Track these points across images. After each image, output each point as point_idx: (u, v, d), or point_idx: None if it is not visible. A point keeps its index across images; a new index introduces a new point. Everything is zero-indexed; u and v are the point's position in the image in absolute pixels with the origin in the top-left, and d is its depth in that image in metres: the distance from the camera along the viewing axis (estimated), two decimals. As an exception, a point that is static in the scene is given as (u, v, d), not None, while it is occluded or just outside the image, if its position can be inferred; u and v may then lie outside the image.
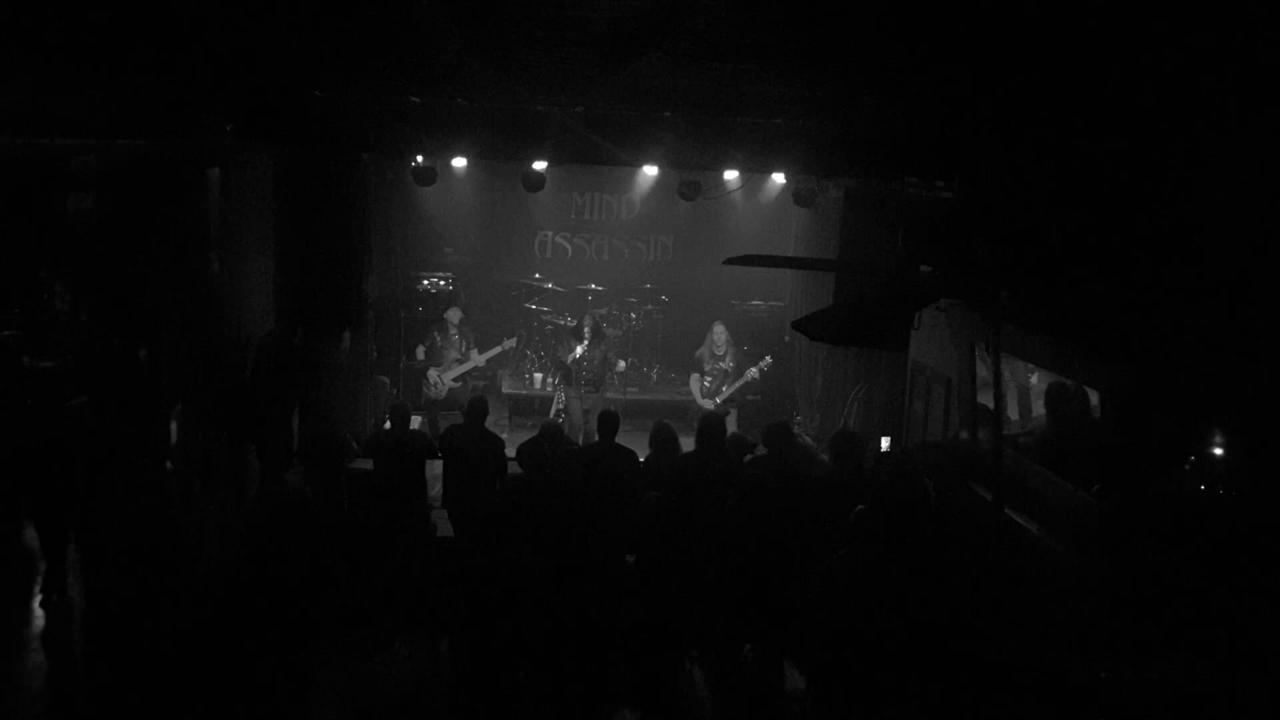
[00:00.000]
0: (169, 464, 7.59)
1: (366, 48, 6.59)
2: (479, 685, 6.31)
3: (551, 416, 11.37)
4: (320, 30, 6.11)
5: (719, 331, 11.68)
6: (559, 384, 11.95)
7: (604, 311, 13.29)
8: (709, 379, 11.55)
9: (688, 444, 8.19)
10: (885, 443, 7.98)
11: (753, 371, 11.46)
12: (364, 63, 7.01)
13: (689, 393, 12.24)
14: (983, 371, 7.26)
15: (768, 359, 11.77)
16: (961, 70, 5.74)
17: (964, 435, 8.33)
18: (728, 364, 11.53)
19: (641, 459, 8.07)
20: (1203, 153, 5.37)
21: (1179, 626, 5.59)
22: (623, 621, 6.73)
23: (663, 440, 7.88)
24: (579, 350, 11.44)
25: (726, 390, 11.45)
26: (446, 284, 13.42)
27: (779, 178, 11.15)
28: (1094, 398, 7.10)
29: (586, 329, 11.54)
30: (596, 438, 8.14)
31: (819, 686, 6.76)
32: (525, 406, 12.83)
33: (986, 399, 7.19)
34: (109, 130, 7.36)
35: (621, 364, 12.19)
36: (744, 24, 4.92)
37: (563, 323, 13.26)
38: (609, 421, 8.02)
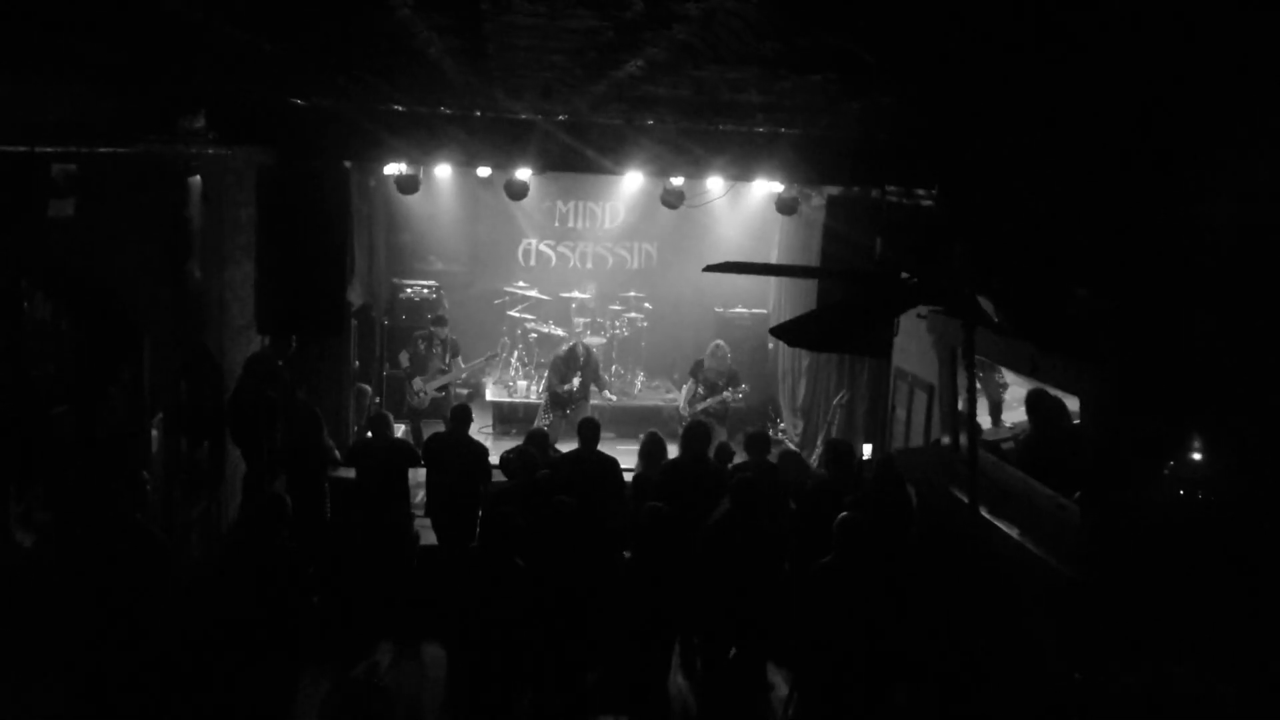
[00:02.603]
0: (147, 474, 7.53)
1: (348, 56, 6.58)
2: (476, 690, 6.31)
3: (540, 423, 11.42)
4: (301, 38, 6.10)
5: (722, 349, 11.75)
6: (545, 405, 11.96)
7: (588, 320, 13.32)
8: (701, 387, 11.63)
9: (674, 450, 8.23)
10: (867, 450, 8.02)
11: (727, 395, 11.50)
12: (345, 70, 7.01)
13: (673, 399, 12.28)
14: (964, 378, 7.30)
15: (745, 387, 11.82)
16: (942, 79, 5.77)
17: (946, 441, 8.36)
18: (720, 378, 11.62)
19: (627, 466, 8.10)
20: (1183, 158, 5.41)
21: (1159, 632, 5.62)
22: (612, 626, 6.74)
23: (651, 452, 7.90)
24: (575, 382, 11.50)
25: (704, 404, 11.53)
26: (430, 292, 13.41)
27: (762, 186, 11.20)
28: (1074, 404, 7.15)
29: (581, 358, 11.60)
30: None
31: (804, 690, 6.79)
32: (510, 414, 12.84)
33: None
34: (90, 137, 7.31)
35: (611, 397, 12.20)
36: (724, 34, 4.94)
37: (548, 330, 13.25)
38: (590, 429, 8.04)
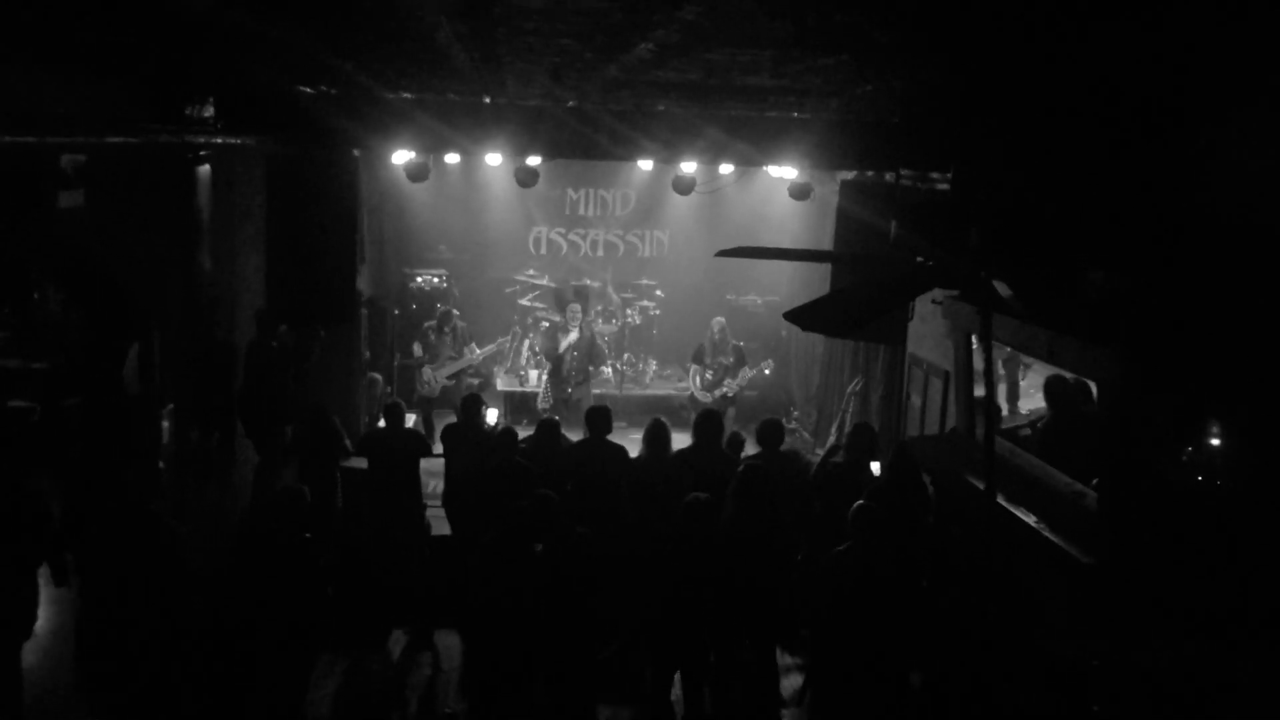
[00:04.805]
0: (161, 464, 7.54)
1: (355, 42, 6.55)
2: (489, 679, 6.28)
3: (539, 408, 11.40)
4: (310, 24, 6.07)
5: (717, 325, 11.69)
6: (548, 379, 11.87)
7: (599, 308, 13.26)
8: (710, 372, 11.55)
9: (681, 439, 8.16)
10: (875, 468, 7.90)
11: (746, 372, 11.46)
12: (354, 58, 6.97)
13: (685, 388, 12.21)
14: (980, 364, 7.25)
15: (770, 363, 11.80)
16: (955, 59, 5.70)
17: (962, 428, 8.29)
18: (726, 358, 11.53)
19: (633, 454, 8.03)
20: (1198, 138, 5.34)
21: (1176, 618, 5.57)
22: (628, 618, 6.70)
23: (655, 438, 7.82)
24: (572, 337, 11.43)
25: (729, 385, 11.45)
26: (440, 281, 13.36)
27: (774, 171, 11.11)
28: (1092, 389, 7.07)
29: (570, 318, 11.54)
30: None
31: (818, 678, 6.74)
32: (521, 404, 12.80)
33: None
34: (98, 128, 7.31)
35: (606, 370, 12.12)
36: (733, 14, 4.88)
37: (559, 319, 13.20)
38: (600, 417, 7.96)
